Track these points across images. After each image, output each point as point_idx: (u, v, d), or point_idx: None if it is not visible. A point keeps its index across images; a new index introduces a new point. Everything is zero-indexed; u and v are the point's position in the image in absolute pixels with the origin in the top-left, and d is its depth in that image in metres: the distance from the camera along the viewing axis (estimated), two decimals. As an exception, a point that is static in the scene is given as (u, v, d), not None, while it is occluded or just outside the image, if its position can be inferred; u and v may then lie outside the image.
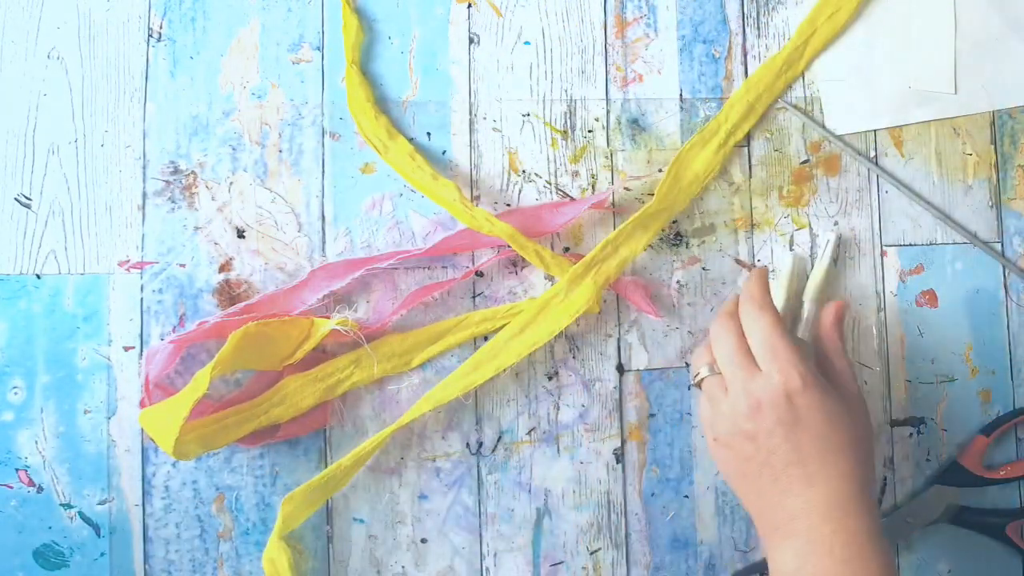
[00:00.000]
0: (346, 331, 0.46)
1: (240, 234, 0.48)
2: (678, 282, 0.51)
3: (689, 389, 0.50)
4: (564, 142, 0.51)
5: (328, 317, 0.47)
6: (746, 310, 0.44)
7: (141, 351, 0.47)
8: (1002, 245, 0.53)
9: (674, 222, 0.51)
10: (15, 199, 0.48)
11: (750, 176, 0.52)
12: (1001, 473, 0.51)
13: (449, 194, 0.47)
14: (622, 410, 0.50)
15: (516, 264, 0.50)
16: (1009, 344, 0.53)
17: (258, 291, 0.48)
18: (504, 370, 0.47)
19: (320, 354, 0.48)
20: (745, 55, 0.53)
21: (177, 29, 0.49)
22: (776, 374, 0.41)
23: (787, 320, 0.50)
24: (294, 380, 0.46)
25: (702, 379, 0.45)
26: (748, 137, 0.52)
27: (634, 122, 0.51)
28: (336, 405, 0.48)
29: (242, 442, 0.46)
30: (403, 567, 0.48)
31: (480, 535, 0.48)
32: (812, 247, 0.52)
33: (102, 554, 0.46)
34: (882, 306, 0.52)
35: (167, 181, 0.48)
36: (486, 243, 0.49)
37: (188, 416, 0.42)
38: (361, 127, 0.49)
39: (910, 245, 0.53)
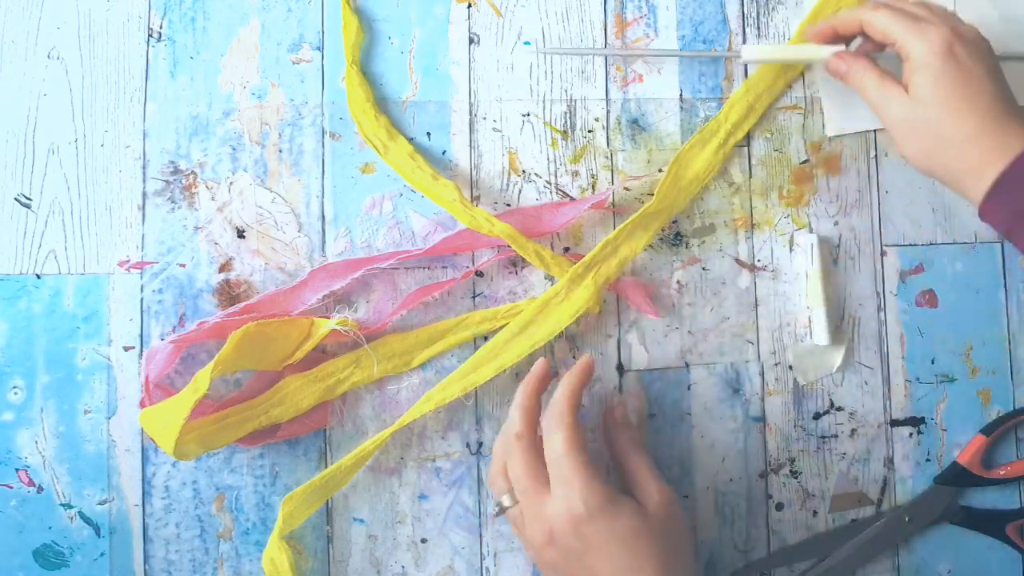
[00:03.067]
0: (346, 331, 0.46)
1: (240, 234, 0.48)
2: (678, 282, 0.51)
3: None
4: (564, 142, 0.51)
5: (328, 317, 0.47)
6: (546, 422, 0.43)
7: (141, 351, 0.47)
8: (1002, 245, 0.53)
9: (674, 222, 0.51)
10: (15, 199, 0.48)
11: (750, 176, 0.52)
12: (1001, 473, 0.51)
13: (449, 194, 0.47)
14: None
15: (516, 264, 0.50)
16: (1009, 344, 0.53)
17: (258, 291, 0.48)
18: (504, 370, 0.47)
19: (320, 354, 0.48)
20: (745, 55, 0.53)
21: (177, 29, 0.49)
22: (561, 501, 0.40)
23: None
24: (294, 380, 0.46)
25: (504, 510, 0.43)
26: (748, 137, 0.52)
27: (634, 122, 0.51)
28: (336, 405, 0.48)
29: (242, 442, 0.46)
30: (403, 567, 0.48)
31: (480, 535, 0.48)
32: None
33: (102, 554, 0.47)
34: (882, 306, 0.52)
35: (167, 181, 0.48)
36: (486, 243, 0.49)
37: (188, 416, 0.42)
38: (361, 127, 0.49)
39: (910, 245, 0.53)
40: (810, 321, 0.51)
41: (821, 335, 0.50)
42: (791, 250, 0.52)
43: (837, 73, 0.49)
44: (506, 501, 0.43)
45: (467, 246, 0.49)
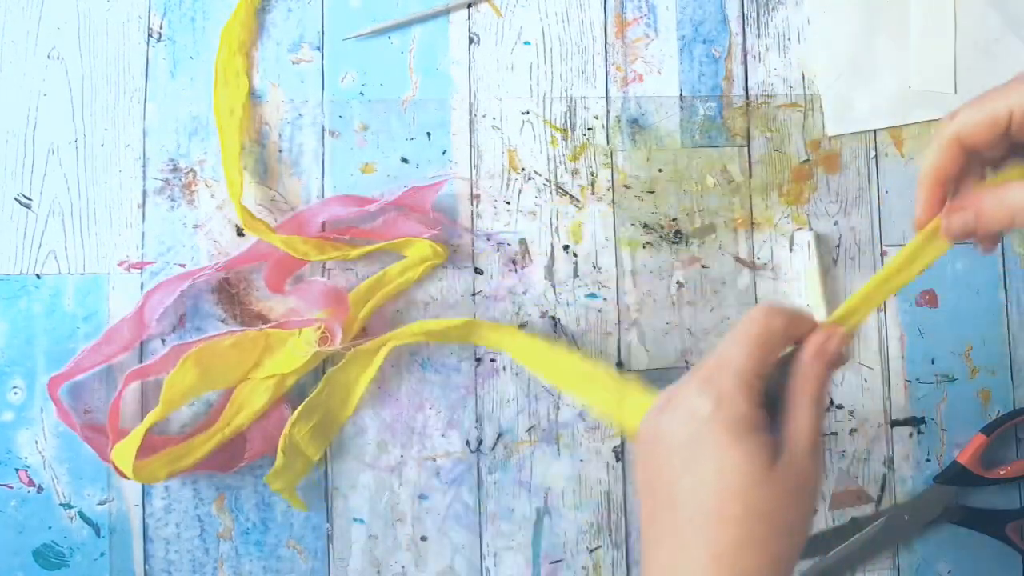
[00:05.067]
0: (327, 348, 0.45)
1: (240, 232, 0.48)
2: (678, 282, 0.51)
3: None
4: (564, 140, 0.51)
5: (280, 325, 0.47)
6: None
7: (141, 351, 0.47)
8: (1002, 245, 0.53)
9: (674, 219, 0.51)
10: (15, 199, 0.48)
11: (750, 175, 0.52)
12: (1001, 473, 0.51)
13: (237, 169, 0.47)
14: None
15: (516, 263, 0.50)
16: (1009, 344, 0.53)
17: (257, 288, 0.48)
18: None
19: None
20: (745, 55, 0.53)
21: (177, 29, 0.49)
22: (681, 401, 0.32)
23: None
24: (245, 385, 0.46)
25: None
26: (748, 136, 0.52)
27: (634, 122, 0.51)
28: (287, 413, 0.47)
29: (211, 467, 0.46)
30: (403, 567, 0.48)
31: (480, 534, 0.48)
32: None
33: (102, 554, 0.46)
34: (882, 306, 0.52)
35: (166, 180, 0.48)
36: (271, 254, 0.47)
37: (143, 439, 0.42)
38: (219, 53, 0.48)
39: (910, 245, 0.53)
40: None
41: None
42: (791, 249, 0.52)
43: (963, 230, 0.33)
44: None
45: (262, 256, 0.47)
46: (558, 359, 0.47)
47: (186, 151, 0.49)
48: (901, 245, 0.52)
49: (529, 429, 0.49)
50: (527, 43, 0.51)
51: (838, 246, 0.52)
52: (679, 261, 0.51)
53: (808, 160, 0.52)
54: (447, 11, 0.51)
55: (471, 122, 0.50)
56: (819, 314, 0.50)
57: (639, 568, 0.49)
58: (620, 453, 0.50)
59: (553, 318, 0.50)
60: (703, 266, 0.51)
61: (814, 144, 0.52)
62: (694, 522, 0.31)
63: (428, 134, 0.50)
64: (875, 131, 0.53)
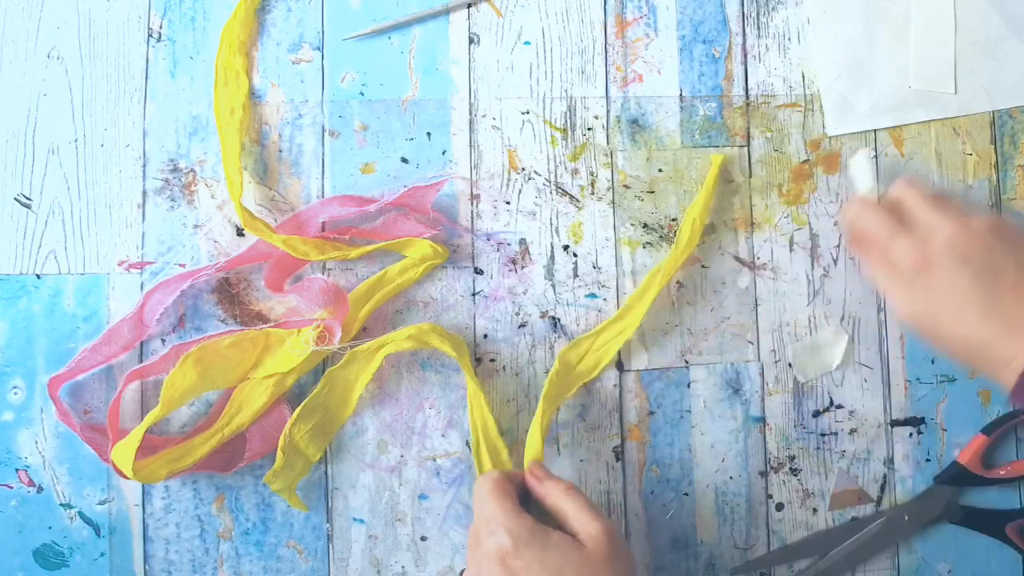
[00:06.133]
0: (326, 348, 0.45)
1: (240, 232, 0.48)
2: (678, 282, 0.51)
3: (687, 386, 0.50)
4: (564, 140, 0.51)
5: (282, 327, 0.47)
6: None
7: (141, 351, 0.47)
8: (1002, 245, 0.53)
9: (674, 220, 0.51)
10: (15, 199, 0.48)
11: (750, 175, 0.52)
12: (1001, 473, 0.51)
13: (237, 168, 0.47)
14: (622, 409, 0.50)
15: (516, 263, 0.50)
16: (1009, 344, 0.53)
17: (257, 288, 0.48)
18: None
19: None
20: (745, 55, 0.53)
21: (177, 29, 0.49)
22: (488, 539, 0.40)
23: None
24: (245, 385, 0.46)
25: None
26: (748, 136, 0.52)
27: (634, 122, 0.51)
28: (287, 413, 0.47)
29: (214, 468, 0.46)
30: (403, 567, 0.48)
31: (480, 535, 0.48)
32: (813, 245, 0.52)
33: (102, 554, 0.46)
34: (882, 306, 0.52)
35: (166, 180, 0.48)
36: (270, 254, 0.47)
37: (143, 438, 0.42)
38: (220, 52, 0.49)
39: (910, 245, 0.53)
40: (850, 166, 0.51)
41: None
42: (791, 249, 0.52)
43: (847, 226, 0.50)
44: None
45: (262, 256, 0.48)
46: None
47: (186, 151, 0.49)
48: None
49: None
50: (527, 43, 0.51)
51: (837, 246, 0.52)
52: (679, 261, 0.51)
53: (808, 160, 0.52)
54: (447, 11, 0.51)
55: (471, 122, 0.50)
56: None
57: (640, 568, 0.49)
58: (620, 453, 0.50)
59: (553, 318, 0.50)
60: (703, 266, 0.51)
61: (814, 144, 0.52)
62: None
63: (428, 134, 0.50)
64: (875, 131, 0.53)
